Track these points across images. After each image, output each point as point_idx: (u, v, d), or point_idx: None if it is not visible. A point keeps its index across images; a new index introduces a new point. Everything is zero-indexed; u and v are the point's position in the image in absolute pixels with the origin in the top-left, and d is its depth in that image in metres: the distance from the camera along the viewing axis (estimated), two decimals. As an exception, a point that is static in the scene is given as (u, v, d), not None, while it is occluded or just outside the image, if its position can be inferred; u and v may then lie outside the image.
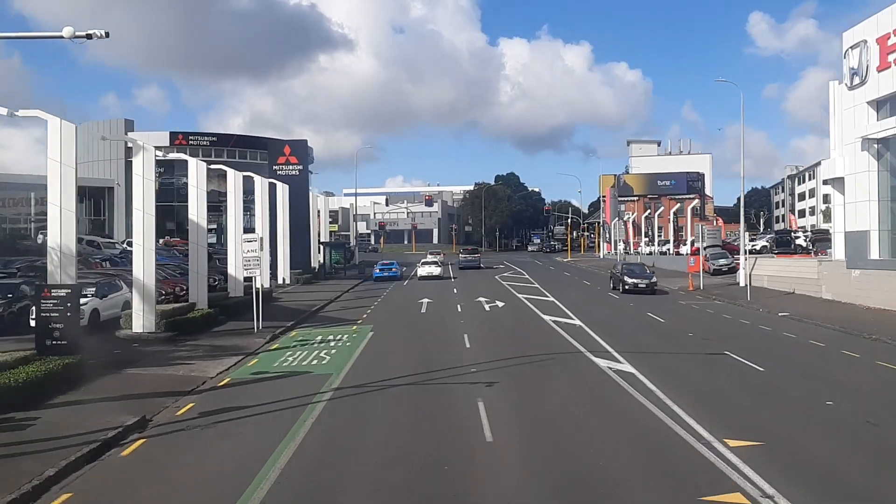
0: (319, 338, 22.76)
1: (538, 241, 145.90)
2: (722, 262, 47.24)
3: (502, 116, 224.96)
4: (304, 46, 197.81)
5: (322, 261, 50.49)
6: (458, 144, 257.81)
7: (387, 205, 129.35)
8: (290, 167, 47.21)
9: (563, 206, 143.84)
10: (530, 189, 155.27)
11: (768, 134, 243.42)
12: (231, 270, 31.67)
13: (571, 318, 26.27)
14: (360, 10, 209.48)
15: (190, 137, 57.65)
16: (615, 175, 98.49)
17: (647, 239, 66.09)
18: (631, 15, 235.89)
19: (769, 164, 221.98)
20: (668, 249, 58.17)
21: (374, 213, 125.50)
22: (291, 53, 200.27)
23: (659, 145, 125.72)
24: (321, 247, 51.13)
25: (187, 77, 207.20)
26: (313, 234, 52.16)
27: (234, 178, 33.93)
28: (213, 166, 43.09)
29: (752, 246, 57.35)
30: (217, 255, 44.18)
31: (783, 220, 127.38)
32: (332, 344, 21.39)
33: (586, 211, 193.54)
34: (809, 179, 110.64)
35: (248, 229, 36.25)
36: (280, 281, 42.57)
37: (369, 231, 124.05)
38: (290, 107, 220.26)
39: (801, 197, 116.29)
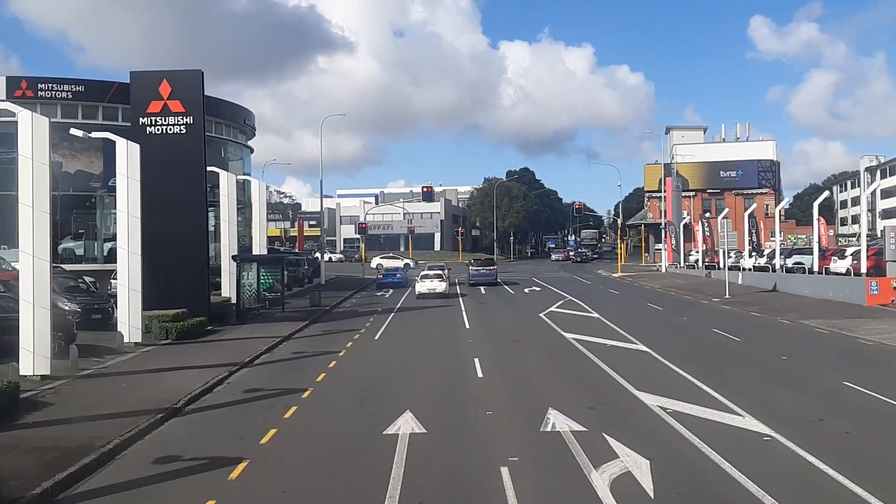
0: None
1: (553, 245, 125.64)
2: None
3: (504, 119, 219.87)
4: (303, 49, 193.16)
5: (239, 288, 28.98)
6: (461, 148, 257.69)
7: (377, 203, 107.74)
8: (171, 118, 25.90)
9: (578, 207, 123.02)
10: (547, 187, 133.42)
11: (773, 136, 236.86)
12: None
13: None
14: (359, 13, 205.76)
15: (40, 86, 36.31)
16: (666, 163, 76.81)
17: (749, 247, 44.43)
18: (632, 18, 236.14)
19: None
20: (810, 264, 36.50)
21: (365, 215, 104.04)
22: (291, 56, 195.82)
23: (705, 132, 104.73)
24: (237, 264, 29.51)
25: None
26: (226, 240, 30.84)
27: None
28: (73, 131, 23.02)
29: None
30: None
31: (853, 222, 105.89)
32: None
33: (605, 213, 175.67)
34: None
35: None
36: (122, 340, 21.05)
37: (359, 236, 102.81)
38: (291, 110, 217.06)
39: (887, 194, 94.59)
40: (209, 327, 25.27)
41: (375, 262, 64.86)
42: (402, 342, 22.73)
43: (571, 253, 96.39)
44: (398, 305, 34.97)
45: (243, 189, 41.92)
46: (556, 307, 32.27)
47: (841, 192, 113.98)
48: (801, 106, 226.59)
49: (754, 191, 79.92)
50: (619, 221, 66.25)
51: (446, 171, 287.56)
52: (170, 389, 15.69)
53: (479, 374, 16.72)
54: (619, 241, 67.07)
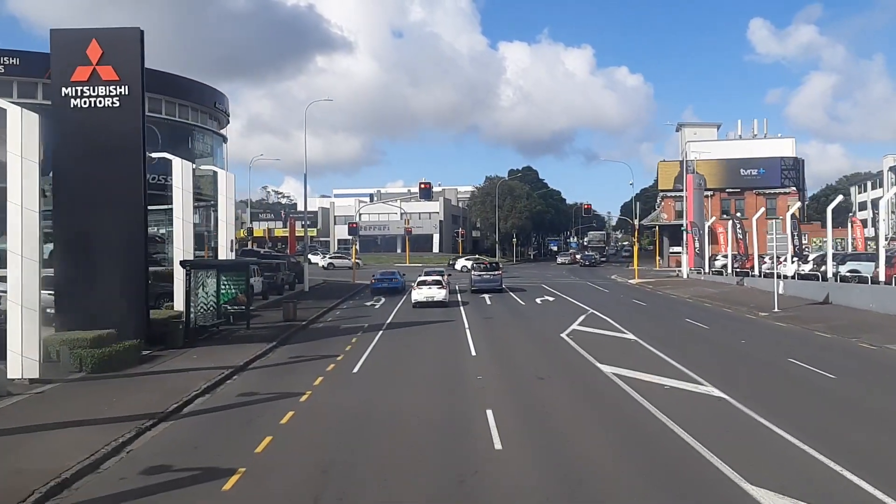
0: None
1: (555, 247, 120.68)
2: None
3: (503, 120, 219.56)
4: (302, 49, 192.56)
5: (188, 302, 23.49)
6: (459, 149, 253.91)
7: (372, 201, 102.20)
8: (101, 88, 20.53)
9: (579, 209, 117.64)
10: (551, 187, 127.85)
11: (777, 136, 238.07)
12: None
13: None
14: (358, 13, 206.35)
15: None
16: (686, 160, 71.47)
17: (792, 252, 39.07)
18: (632, 19, 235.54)
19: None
20: (870, 272, 31.21)
21: (358, 214, 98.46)
22: (290, 56, 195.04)
23: (718, 129, 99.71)
24: (186, 272, 24.00)
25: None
26: (180, 241, 25.49)
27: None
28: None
29: None
30: None
31: (873, 224, 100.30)
32: None
33: (605, 214, 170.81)
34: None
35: None
36: (5, 377, 15.62)
37: (353, 237, 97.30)
38: (289, 110, 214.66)
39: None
40: (146, 352, 19.88)
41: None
42: (387, 379, 17.32)
43: (578, 256, 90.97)
44: (389, 319, 29.61)
45: (213, 184, 36.53)
46: (579, 324, 26.87)
47: (859, 193, 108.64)
48: (800, 108, 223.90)
49: (777, 190, 74.69)
50: (636, 223, 60.64)
51: (445, 171, 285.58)
52: (31, 469, 10.37)
53: (498, 445, 11.29)
54: (636, 243, 61.38)
